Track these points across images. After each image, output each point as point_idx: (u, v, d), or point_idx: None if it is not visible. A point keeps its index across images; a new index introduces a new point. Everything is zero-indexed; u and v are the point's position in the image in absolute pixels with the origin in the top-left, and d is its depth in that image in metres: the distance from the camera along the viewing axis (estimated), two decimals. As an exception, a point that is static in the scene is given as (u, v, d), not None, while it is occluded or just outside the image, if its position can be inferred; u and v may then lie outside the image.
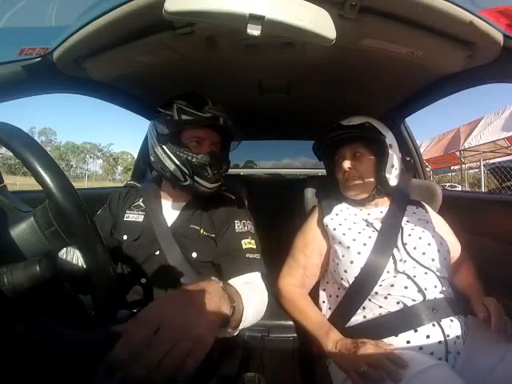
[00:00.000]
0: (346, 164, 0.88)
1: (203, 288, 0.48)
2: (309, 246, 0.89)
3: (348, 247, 0.79)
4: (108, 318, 0.50)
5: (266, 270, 0.83)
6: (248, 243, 0.82)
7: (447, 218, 0.96)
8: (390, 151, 0.86)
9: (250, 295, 0.63)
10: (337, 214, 0.88)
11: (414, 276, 0.74)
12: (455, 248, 0.89)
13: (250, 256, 0.80)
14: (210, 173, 0.80)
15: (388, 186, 0.88)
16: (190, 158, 0.78)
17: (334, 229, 0.84)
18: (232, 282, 0.70)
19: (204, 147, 0.81)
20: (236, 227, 0.84)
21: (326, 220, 0.87)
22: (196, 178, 0.79)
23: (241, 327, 0.58)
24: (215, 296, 0.48)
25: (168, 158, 0.79)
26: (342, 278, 0.79)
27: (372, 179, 0.88)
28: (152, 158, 0.85)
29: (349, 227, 0.84)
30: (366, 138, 0.88)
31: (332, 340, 0.71)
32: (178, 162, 0.78)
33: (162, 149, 0.80)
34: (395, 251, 0.78)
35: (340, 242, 0.81)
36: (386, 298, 0.74)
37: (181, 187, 0.83)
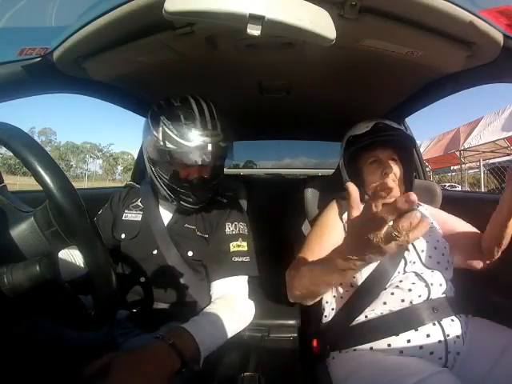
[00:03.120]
0: (388, 168, 0.85)
1: (149, 351, 0.54)
2: (324, 240, 0.83)
3: None
4: (108, 318, 0.50)
5: (257, 272, 0.83)
6: (237, 246, 0.82)
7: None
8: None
9: (211, 325, 0.67)
10: None
11: (422, 273, 0.75)
12: (465, 228, 0.89)
13: (237, 259, 0.80)
14: (194, 198, 0.80)
15: (411, 190, 0.89)
16: (174, 186, 0.78)
17: None
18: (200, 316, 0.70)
19: (192, 172, 0.79)
20: (226, 229, 0.84)
21: (346, 216, 0.85)
22: (182, 202, 0.81)
23: (203, 358, 0.61)
24: (160, 357, 0.54)
25: (156, 179, 0.81)
26: (354, 277, 0.77)
27: (402, 185, 0.88)
28: (147, 168, 0.86)
29: None
30: (404, 144, 0.88)
31: (339, 257, 0.53)
32: (164, 187, 0.80)
33: (151, 168, 0.82)
34: (406, 253, 0.78)
35: None
36: (392, 293, 0.74)
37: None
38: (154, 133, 0.76)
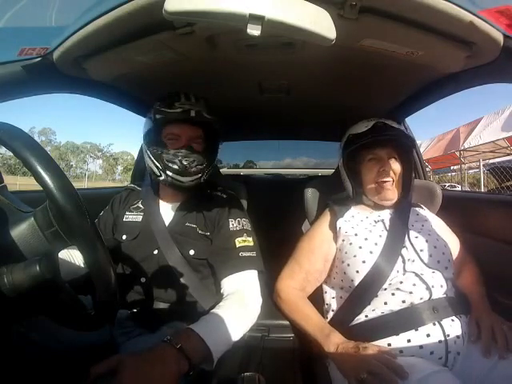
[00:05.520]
0: (386, 166, 0.85)
1: (156, 355, 0.53)
2: (315, 252, 0.87)
3: (360, 247, 0.79)
4: (108, 318, 0.50)
5: (263, 267, 0.83)
6: (243, 241, 0.83)
7: (447, 218, 0.96)
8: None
9: (222, 324, 0.65)
10: (353, 216, 0.88)
11: (422, 274, 0.75)
12: (456, 248, 0.89)
13: (245, 254, 0.81)
14: (181, 166, 0.80)
15: (411, 191, 0.89)
16: (161, 153, 0.81)
17: (346, 232, 0.84)
18: (212, 313, 0.69)
19: (180, 143, 0.83)
20: (230, 226, 0.85)
21: (340, 223, 0.86)
22: (168, 172, 0.81)
23: (216, 359, 0.61)
24: (168, 361, 0.53)
25: (147, 155, 0.84)
26: (352, 280, 0.78)
27: (400, 185, 0.88)
28: (145, 154, 0.89)
29: (361, 228, 0.84)
30: (403, 143, 0.88)
31: (333, 343, 0.70)
32: (152, 158, 0.83)
33: (144, 148, 0.86)
34: (404, 251, 0.78)
35: (351, 243, 0.81)
36: (393, 294, 0.74)
37: (161, 182, 0.86)
38: (150, 115, 0.85)
